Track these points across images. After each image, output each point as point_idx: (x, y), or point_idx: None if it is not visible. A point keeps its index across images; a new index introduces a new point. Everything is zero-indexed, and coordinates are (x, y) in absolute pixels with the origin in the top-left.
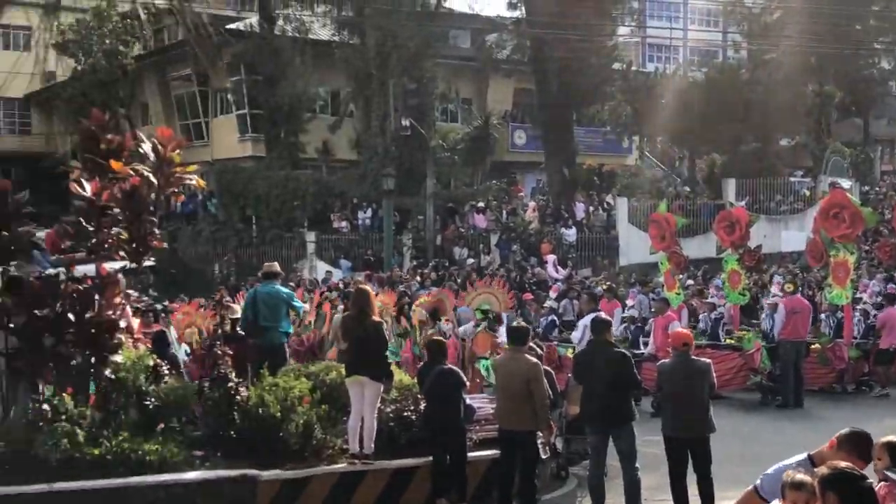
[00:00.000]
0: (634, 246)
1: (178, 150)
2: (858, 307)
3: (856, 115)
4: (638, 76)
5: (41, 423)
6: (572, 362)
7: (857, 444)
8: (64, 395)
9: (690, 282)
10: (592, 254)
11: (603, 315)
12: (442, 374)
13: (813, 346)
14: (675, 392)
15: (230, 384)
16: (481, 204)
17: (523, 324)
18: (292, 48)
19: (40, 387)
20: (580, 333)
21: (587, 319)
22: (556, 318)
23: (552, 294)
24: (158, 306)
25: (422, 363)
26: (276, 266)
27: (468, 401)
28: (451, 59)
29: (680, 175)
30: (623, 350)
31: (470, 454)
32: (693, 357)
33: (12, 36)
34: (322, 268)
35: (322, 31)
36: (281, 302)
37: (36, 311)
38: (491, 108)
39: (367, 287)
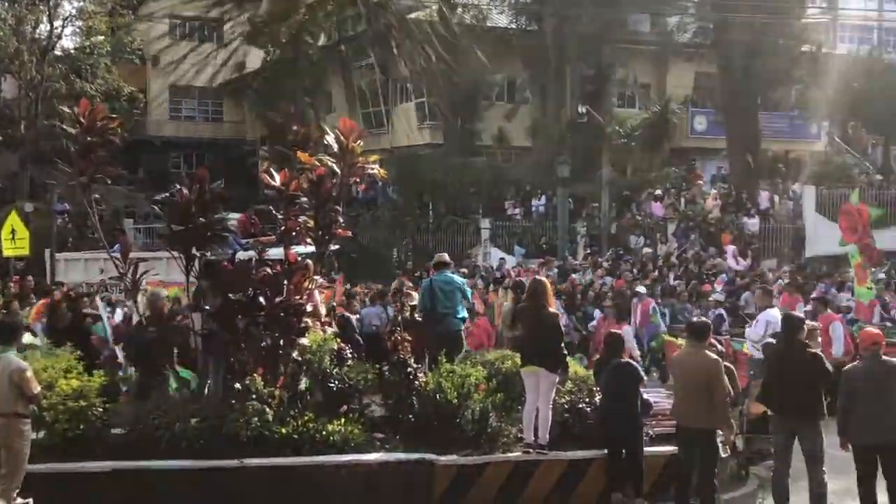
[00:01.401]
0: (822, 237)
1: (360, 141)
2: None
3: None
4: (829, 58)
5: (233, 402)
6: (764, 357)
7: None
8: (255, 375)
9: (882, 275)
10: (777, 244)
11: (796, 313)
12: (619, 368)
13: None
14: (865, 396)
15: (409, 369)
16: (659, 191)
17: (704, 318)
18: (469, 36)
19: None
20: (761, 329)
21: (767, 315)
22: (724, 312)
23: (717, 287)
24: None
25: (598, 356)
26: (447, 257)
27: (645, 395)
28: (630, 44)
29: (873, 162)
30: (815, 351)
31: (646, 449)
32: (884, 357)
33: (206, 28)
34: (496, 254)
35: (500, 18)
36: (456, 289)
37: (230, 295)
38: (670, 93)
39: (544, 278)
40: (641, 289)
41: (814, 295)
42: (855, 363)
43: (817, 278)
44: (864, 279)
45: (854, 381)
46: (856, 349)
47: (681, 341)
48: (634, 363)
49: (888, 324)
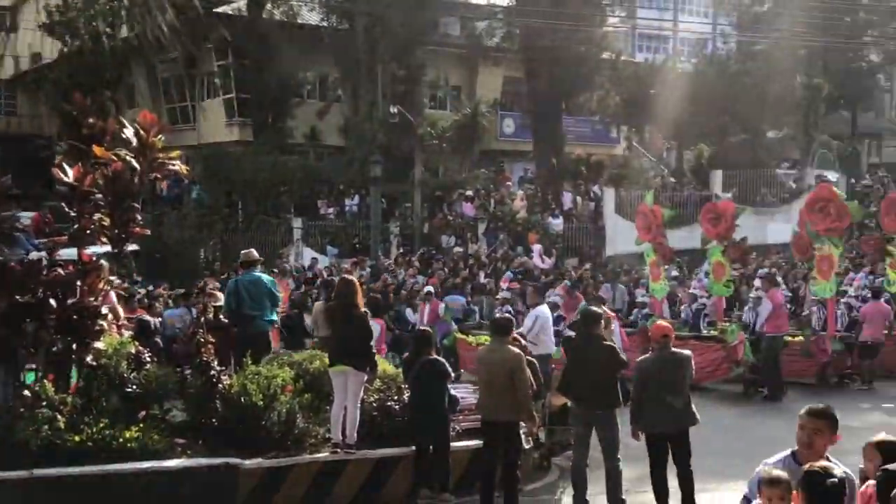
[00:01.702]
0: (621, 236)
1: (161, 135)
2: (843, 300)
3: (844, 108)
4: (627, 66)
5: (22, 410)
6: (563, 350)
7: (806, 410)
8: (45, 381)
9: (675, 272)
10: (579, 244)
11: (595, 308)
12: (427, 365)
13: (796, 339)
14: (655, 386)
15: (212, 372)
16: (469, 192)
17: (507, 315)
18: (280, 32)
19: (21, 373)
20: (529, 323)
21: (537, 311)
22: (511, 309)
23: (503, 285)
24: (142, 291)
25: (406, 353)
26: (255, 253)
27: (452, 391)
28: (441, 47)
29: (668, 166)
30: (610, 343)
31: (453, 444)
32: (674, 349)
33: None
34: (308, 254)
35: (310, 16)
36: (263, 289)
37: (17, 297)
38: (480, 96)
39: (353, 277)
40: (429, 288)
41: (601, 294)
42: (646, 355)
43: (621, 275)
44: (658, 276)
45: (645, 372)
46: (642, 342)
47: (472, 339)
48: (442, 360)
49: (682, 317)
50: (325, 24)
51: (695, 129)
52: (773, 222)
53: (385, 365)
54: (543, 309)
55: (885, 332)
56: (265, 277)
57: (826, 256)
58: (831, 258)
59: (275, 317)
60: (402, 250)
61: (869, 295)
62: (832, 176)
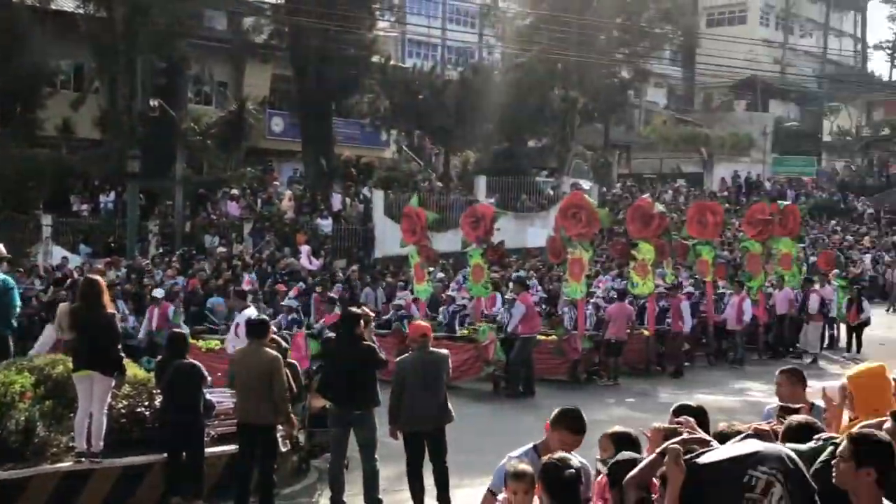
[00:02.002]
0: (390, 238)
1: None
2: (591, 301)
3: (597, 121)
4: (396, 71)
5: None
6: (323, 351)
7: (564, 420)
8: None
9: (441, 274)
10: (348, 245)
11: (354, 310)
12: (181, 368)
13: (549, 338)
14: (414, 385)
15: None
16: (235, 191)
17: (263, 316)
18: (31, 17)
19: None
20: (233, 327)
21: (243, 316)
22: (297, 316)
23: (292, 294)
24: None
25: (160, 356)
26: (2, 249)
27: (208, 395)
28: (206, 41)
29: (435, 170)
30: (370, 343)
31: (208, 450)
32: (432, 349)
33: None
34: (59, 253)
35: (65, 1)
36: (6, 290)
37: None
38: (248, 93)
39: (97, 277)
40: (158, 292)
41: (332, 294)
42: (406, 355)
43: (387, 276)
44: (423, 278)
45: (404, 372)
46: (397, 343)
47: (202, 343)
48: (198, 363)
49: (439, 318)
50: (80, 10)
51: (461, 136)
52: (532, 227)
53: (134, 369)
54: (249, 311)
55: (629, 330)
56: (5, 278)
57: (577, 259)
58: (582, 261)
59: (13, 321)
60: (161, 250)
61: (615, 296)
62: (586, 184)
